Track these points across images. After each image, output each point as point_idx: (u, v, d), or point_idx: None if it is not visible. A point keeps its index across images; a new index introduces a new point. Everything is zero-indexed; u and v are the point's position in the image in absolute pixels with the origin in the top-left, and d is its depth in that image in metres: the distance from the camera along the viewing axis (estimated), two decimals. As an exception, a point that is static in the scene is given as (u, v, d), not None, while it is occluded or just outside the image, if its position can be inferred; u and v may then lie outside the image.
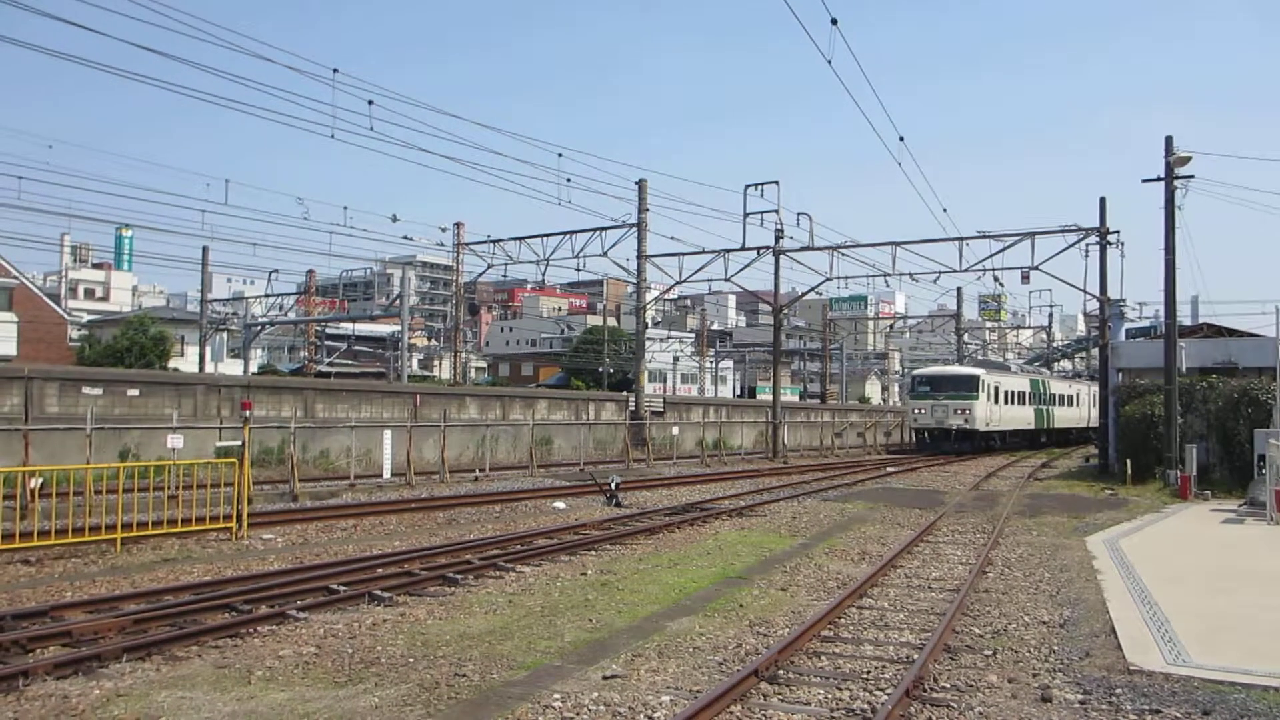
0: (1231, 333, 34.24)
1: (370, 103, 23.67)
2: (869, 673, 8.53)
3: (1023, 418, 49.05)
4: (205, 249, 51.02)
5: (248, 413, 17.97)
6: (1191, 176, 27.34)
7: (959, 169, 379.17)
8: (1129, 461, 28.43)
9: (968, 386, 43.83)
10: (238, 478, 15.60)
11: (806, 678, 8.35)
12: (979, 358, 58.93)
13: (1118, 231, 33.18)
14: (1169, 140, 27.32)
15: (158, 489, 18.13)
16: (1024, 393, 49.29)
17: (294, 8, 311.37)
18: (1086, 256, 33.64)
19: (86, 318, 64.94)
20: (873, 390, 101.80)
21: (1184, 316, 42.44)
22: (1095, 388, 57.25)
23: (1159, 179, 27.49)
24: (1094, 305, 35.76)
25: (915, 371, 48.10)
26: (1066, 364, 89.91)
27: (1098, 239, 33.01)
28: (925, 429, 45.51)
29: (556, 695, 7.70)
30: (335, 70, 22.41)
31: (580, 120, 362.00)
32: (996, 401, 45.07)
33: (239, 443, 16.80)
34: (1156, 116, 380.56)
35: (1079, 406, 58.40)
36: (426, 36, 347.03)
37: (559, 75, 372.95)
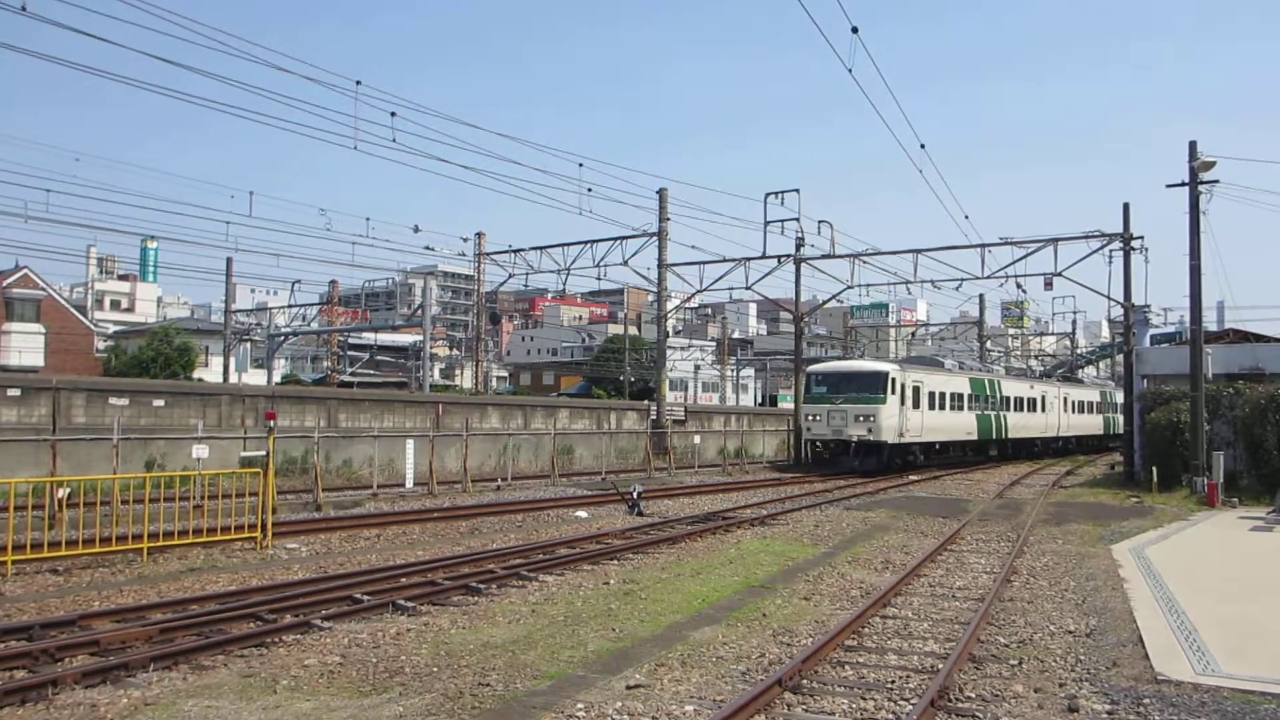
0: (1258, 338, 33.91)
1: (393, 114, 23.85)
2: (893, 683, 8.49)
3: (958, 426, 39.75)
4: (229, 260, 51.42)
5: (272, 423, 18.10)
6: (1216, 181, 27.14)
7: (980, 175, 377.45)
8: (1155, 469, 28.16)
9: (872, 386, 34.18)
10: (262, 487, 15.71)
11: (830, 688, 8.32)
12: (966, 362, 50.60)
13: (1141, 237, 32.89)
14: (1193, 145, 27.12)
15: (183, 499, 18.26)
16: (962, 395, 39.83)
17: (316, 21, 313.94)
18: (1110, 262, 33.36)
19: (112, 329, 65.63)
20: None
21: (1209, 322, 40.85)
22: (1071, 390, 53.26)
23: (1183, 184, 27.29)
24: (1118, 311, 35.41)
25: (810, 368, 37.83)
26: (1091, 370, 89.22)
27: (1121, 245, 32.74)
28: (820, 440, 35.84)
29: (580, 705, 7.71)
30: (358, 82, 22.62)
31: (601, 130, 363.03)
32: (918, 406, 35.77)
33: (263, 452, 16.91)
34: (1180, 120, 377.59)
35: (1046, 412, 49.28)
36: (447, 48, 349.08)
37: (579, 85, 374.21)
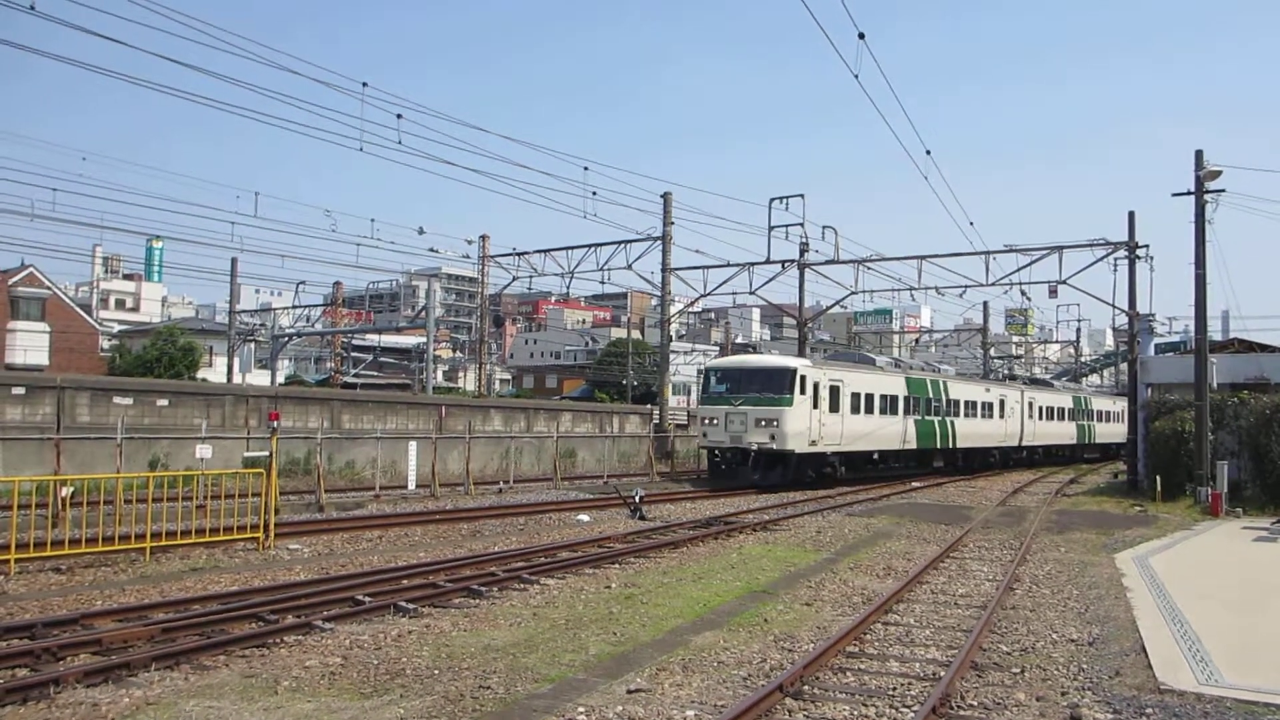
0: (1263, 348, 33.82)
1: (399, 116, 23.92)
2: (895, 690, 8.47)
3: (891, 434, 34.10)
4: (234, 260, 51.48)
5: (275, 423, 18.10)
6: (1222, 190, 27.06)
7: (986, 182, 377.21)
8: (1159, 478, 28.10)
9: (777, 385, 28.92)
10: (265, 488, 15.71)
11: (832, 694, 8.31)
12: (905, 360, 44.76)
13: (1147, 245, 32.88)
14: (1199, 154, 27.08)
15: (186, 499, 18.31)
16: (896, 397, 34.31)
17: (323, 23, 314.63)
18: (1115, 271, 33.37)
19: (117, 328, 65.77)
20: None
21: (1214, 331, 40.62)
22: (1038, 394, 47.81)
23: (1189, 193, 27.24)
24: (1123, 320, 35.40)
25: (709, 362, 33.46)
26: (1095, 379, 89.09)
27: (1127, 253, 32.73)
28: (717, 449, 30.29)
29: (581, 709, 7.70)
30: (365, 84, 22.64)
31: (605, 134, 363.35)
32: (837, 409, 30.73)
33: (266, 453, 16.92)
34: (1187, 129, 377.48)
35: (1005, 419, 43.47)
36: (452, 50, 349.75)
37: (584, 89, 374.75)
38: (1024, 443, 45.64)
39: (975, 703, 8.18)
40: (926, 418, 36.18)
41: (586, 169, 36.19)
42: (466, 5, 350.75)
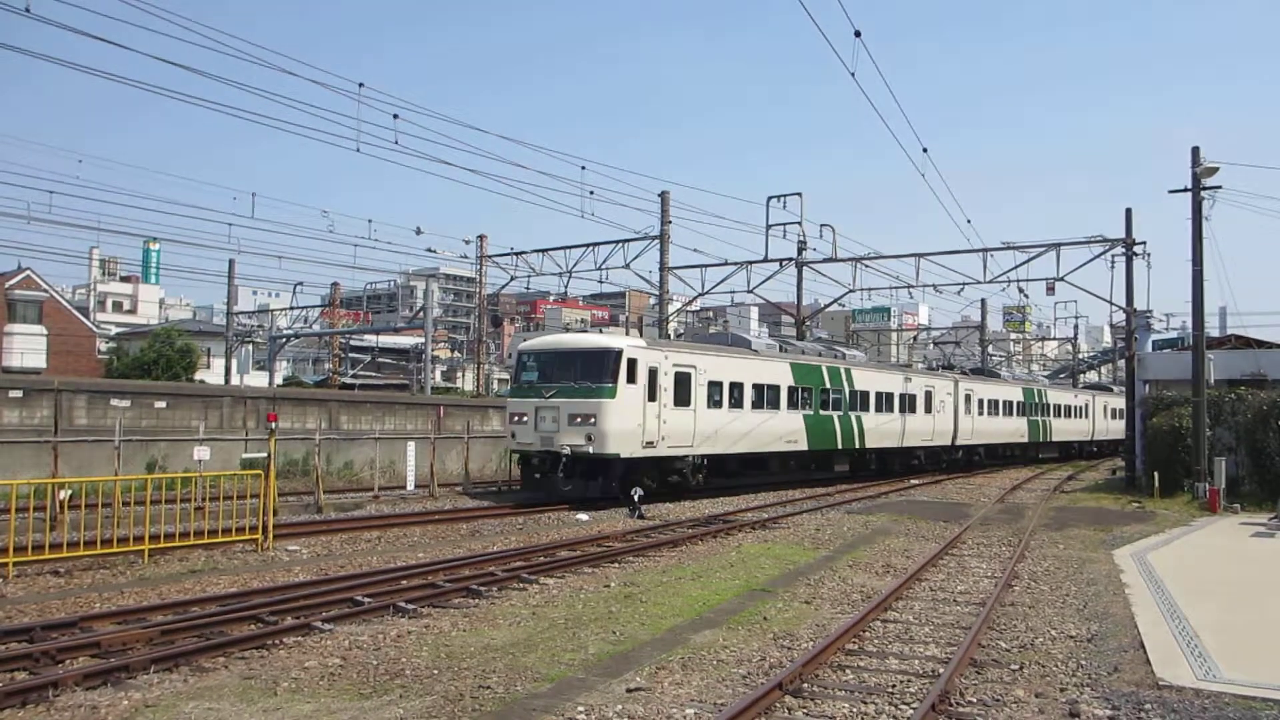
0: (1260, 344, 33.87)
1: (395, 116, 23.85)
2: (894, 687, 8.48)
3: (766, 432, 27.88)
4: (231, 262, 51.52)
5: (273, 424, 18.10)
6: (1219, 187, 27.14)
7: (981, 178, 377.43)
8: (1156, 474, 28.14)
9: (595, 371, 22.87)
10: (263, 489, 15.71)
11: (831, 692, 8.31)
12: (795, 343, 34.52)
13: (1144, 242, 32.86)
14: (1195, 151, 27.12)
15: (184, 500, 18.31)
16: (771, 387, 28.20)
17: (319, 26, 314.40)
18: (1112, 268, 33.36)
19: (114, 330, 65.66)
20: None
21: (1212, 328, 40.52)
22: (977, 385, 42.11)
23: (1185, 190, 27.29)
24: (1120, 317, 35.40)
25: (522, 344, 28.23)
26: (1093, 375, 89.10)
27: (1124, 250, 32.74)
28: (527, 452, 23.85)
29: (580, 708, 7.71)
30: (361, 85, 22.59)
31: (603, 135, 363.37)
32: (685, 402, 24.64)
33: (265, 454, 16.92)
34: (1185, 123, 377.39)
35: (932, 413, 37.48)
36: (453, 52, 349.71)
37: (581, 93, 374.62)
38: (959, 441, 39.82)
39: (974, 700, 8.19)
40: (823, 412, 30.56)
41: (584, 168, 36.19)
42: (467, 5, 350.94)
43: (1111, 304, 33.87)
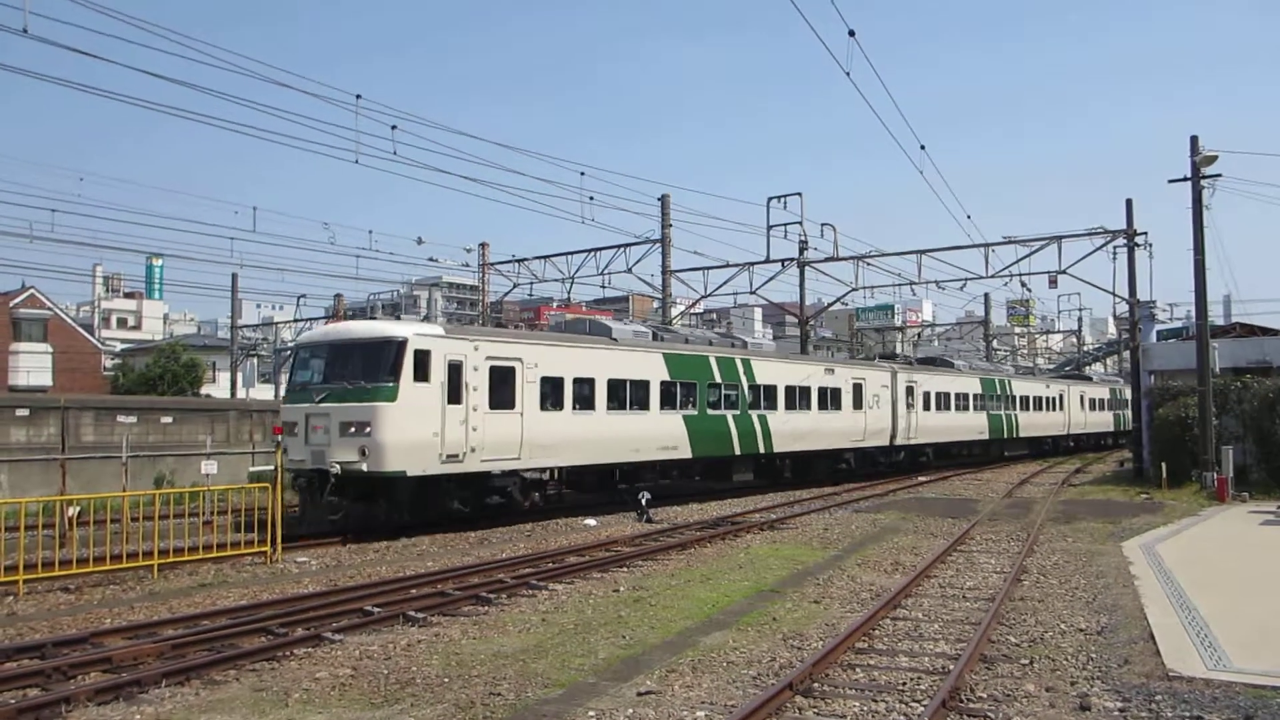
0: (1265, 331, 33.82)
1: (393, 127, 23.85)
2: (904, 684, 8.48)
3: (629, 435, 23.18)
4: (234, 276, 51.55)
5: (279, 437, 18.12)
6: (1218, 176, 27.11)
7: (980, 170, 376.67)
8: (1164, 465, 28.09)
9: (372, 368, 18.50)
10: (271, 502, 15.75)
11: (841, 691, 8.32)
12: (742, 341, 31.30)
13: (1145, 233, 32.80)
14: (1194, 140, 27.10)
15: (193, 515, 18.34)
16: (637, 383, 23.52)
17: (315, 40, 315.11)
18: (1114, 259, 33.33)
19: (120, 346, 65.81)
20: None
21: (1216, 316, 40.25)
22: (920, 376, 36.92)
23: (1185, 179, 27.26)
24: (1124, 308, 35.35)
25: (299, 338, 24.82)
26: (1099, 367, 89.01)
27: (1125, 241, 32.70)
28: (299, 471, 18.84)
29: (592, 713, 7.72)
30: (358, 96, 22.64)
31: (602, 141, 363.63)
32: (508, 404, 20.02)
33: (272, 467, 16.93)
34: (1185, 110, 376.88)
35: (862, 410, 32.44)
36: (447, 60, 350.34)
37: (579, 101, 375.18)
38: (900, 440, 34.98)
39: (985, 695, 8.19)
40: (712, 412, 25.99)
41: (583, 174, 36.15)
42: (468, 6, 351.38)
43: (1114, 295, 33.89)
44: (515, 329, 31.15)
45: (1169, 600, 11.82)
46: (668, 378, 24.49)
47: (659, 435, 24.13)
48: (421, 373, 18.44)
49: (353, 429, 17.99)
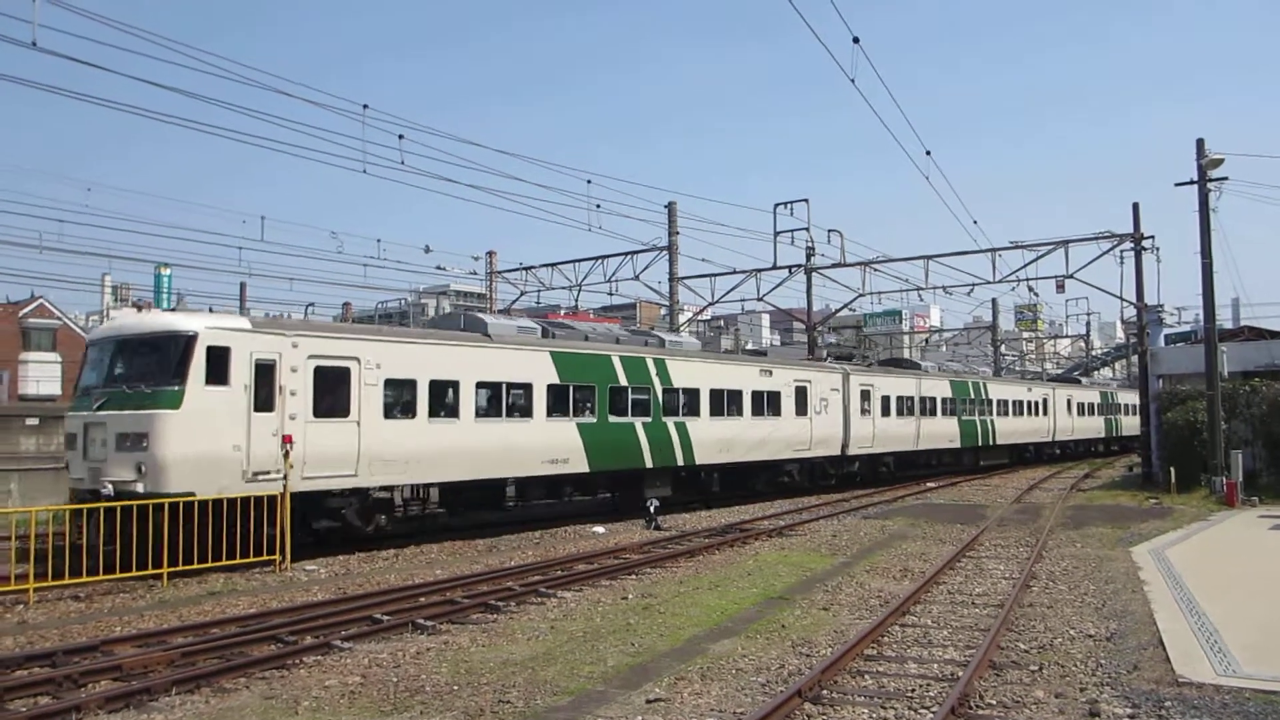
0: (1274, 335, 33.74)
1: (401, 137, 23.89)
2: (913, 691, 8.48)
3: (495, 448, 19.80)
4: (243, 285, 51.51)
5: (288, 445, 18.14)
6: (1225, 179, 27.07)
7: (986, 175, 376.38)
8: (1173, 469, 28.01)
9: (153, 369, 15.57)
10: (280, 510, 15.76)
11: (850, 697, 8.32)
12: (666, 340, 27.05)
13: (1152, 236, 32.71)
14: (1200, 143, 27.08)
15: (202, 523, 18.34)
16: (499, 385, 20.17)
17: (322, 50, 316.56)
18: (1122, 263, 33.23)
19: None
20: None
21: (1224, 320, 40.12)
22: (877, 379, 33.75)
23: (1191, 182, 27.22)
24: (1131, 312, 35.27)
25: (91, 335, 20.59)
26: (1106, 372, 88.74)
27: (1132, 245, 32.63)
28: (78, 491, 15.96)
29: (600, 720, 7.73)
30: (365, 106, 22.70)
31: (608, 146, 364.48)
32: (340, 411, 17.18)
33: (281, 474, 16.95)
34: (1191, 112, 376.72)
35: (806, 416, 29.24)
36: (453, 65, 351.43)
37: (586, 110, 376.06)
38: (853, 450, 31.63)
39: (994, 701, 8.18)
40: (617, 420, 22.79)
41: (589, 182, 36.08)
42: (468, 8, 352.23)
43: (1122, 299, 33.74)
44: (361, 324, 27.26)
45: (1178, 606, 11.78)
46: (557, 380, 21.39)
47: (546, 446, 20.99)
48: (218, 374, 15.51)
49: (128, 442, 15.09)
